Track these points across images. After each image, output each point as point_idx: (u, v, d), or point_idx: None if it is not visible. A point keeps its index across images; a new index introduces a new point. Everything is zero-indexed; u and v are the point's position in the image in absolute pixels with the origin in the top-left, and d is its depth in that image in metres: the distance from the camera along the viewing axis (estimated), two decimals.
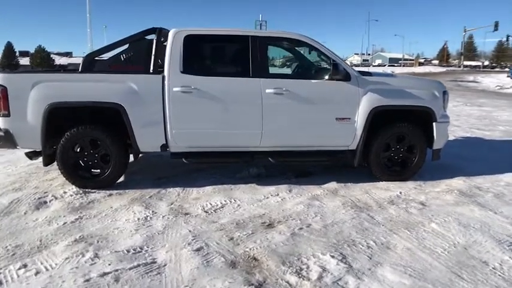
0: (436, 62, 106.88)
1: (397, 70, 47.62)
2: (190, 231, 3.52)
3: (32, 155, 4.68)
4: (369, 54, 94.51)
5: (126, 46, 5.05)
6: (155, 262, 2.99)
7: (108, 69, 4.95)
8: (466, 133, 8.59)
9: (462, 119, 10.60)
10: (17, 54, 59.89)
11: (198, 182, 4.84)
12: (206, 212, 3.98)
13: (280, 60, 6.90)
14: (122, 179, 4.81)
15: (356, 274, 2.84)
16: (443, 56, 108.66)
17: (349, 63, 5.53)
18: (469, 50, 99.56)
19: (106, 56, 5.26)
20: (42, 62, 52.80)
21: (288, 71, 6.02)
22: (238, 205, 4.17)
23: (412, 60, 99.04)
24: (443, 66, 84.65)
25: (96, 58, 5.22)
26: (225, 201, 4.27)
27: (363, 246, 3.27)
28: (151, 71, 4.60)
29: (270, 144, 4.75)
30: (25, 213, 3.90)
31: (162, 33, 4.85)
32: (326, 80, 4.65)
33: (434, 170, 5.30)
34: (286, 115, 4.66)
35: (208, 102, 4.49)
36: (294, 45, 5.19)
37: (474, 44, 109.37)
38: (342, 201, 4.29)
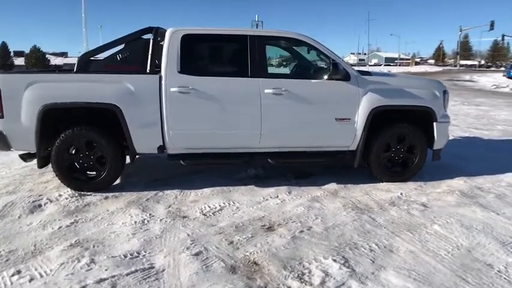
0: (432, 61, 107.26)
1: (393, 70, 47.73)
2: (188, 235, 3.44)
3: (26, 157, 4.59)
4: (365, 54, 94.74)
5: (122, 46, 4.97)
6: (153, 267, 2.91)
7: (104, 70, 4.87)
8: (465, 133, 8.56)
9: (460, 119, 10.57)
10: (12, 54, 59.59)
11: (196, 184, 4.76)
12: (204, 215, 3.90)
13: (277, 59, 6.83)
14: (118, 181, 4.73)
15: (359, 278, 2.78)
16: (439, 56, 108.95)
17: None
18: (465, 50, 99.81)
19: (102, 56, 5.18)
20: (37, 62, 52.52)
21: (286, 70, 5.96)
22: (237, 207, 4.10)
23: (408, 59, 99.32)
24: (439, 65, 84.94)
25: (92, 58, 5.14)
26: (224, 203, 4.19)
27: (365, 249, 3.21)
28: (148, 71, 4.53)
29: (269, 145, 4.68)
30: (19, 217, 3.81)
31: (158, 33, 4.77)
32: (325, 79, 4.59)
33: (434, 170, 5.26)
34: (286, 115, 4.59)
35: (206, 102, 4.42)
36: (293, 44, 5.12)
37: (470, 43, 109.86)
38: (343, 203, 4.22)
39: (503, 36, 64.90)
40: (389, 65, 74.86)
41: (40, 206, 4.08)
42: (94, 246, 3.21)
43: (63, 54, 74.71)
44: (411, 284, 2.71)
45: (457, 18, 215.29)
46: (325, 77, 4.59)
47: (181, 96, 4.36)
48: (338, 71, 4.53)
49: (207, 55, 5.10)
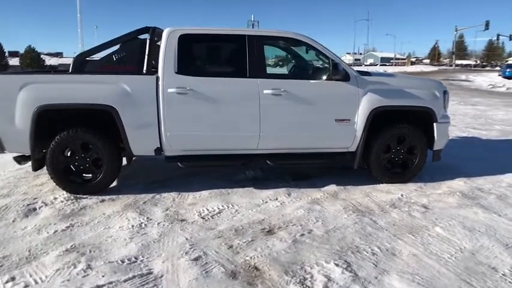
0: (427, 61, 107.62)
1: (389, 69, 47.81)
2: (187, 239, 3.37)
3: (20, 160, 4.50)
4: (361, 54, 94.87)
5: (118, 46, 4.90)
6: (151, 273, 2.84)
7: (99, 70, 4.79)
8: (463, 133, 8.54)
9: (458, 119, 10.56)
10: (7, 54, 59.15)
11: (194, 186, 4.69)
12: (203, 218, 3.83)
13: (273, 59, 6.77)
14: (114, 183, 4.65)
15: (362, 283, 2.72)
16: (434, 55, 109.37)
17: None
18: (460, 49, 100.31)
19: (98, 56, 5.10)
20: (32, 62, 52.14)
21: (283, 70, 5.91)
22: (236, 210, 4.03)
23: (404, 59, 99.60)
24: (435, 65, 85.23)
25: (88, 58, 5.06)
26: (222, 206, 4.13)
27: (367, 252, 3.15)
28: (144, 71, 4.46)
29: (268, 146, 4.62)
30: (13, 221, 3.73)
31: (155, 33, 4.71)
32: (325, 80, 4.54)
33: (433, 171, 5.22)
34: (285, 116, 4.52)
35: (204, 103, 4.35)
36: (292, 44, 5.06)
37: (465, 43, 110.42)
38: (343, 205, 4.17)
39: (498, 35, 65.25)
40: (385, 65, 74.99)
41: (35, 209, 4.00)
42: (90, 251, 3.13)
43: (58, 55, 74.26)
44: None
45: (452, 19, 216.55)
46: (325, 77, 4.54)
47: (178, 97, 4.29)
48: (337, 71, 4.48)
49: (205, 55, 5.03)
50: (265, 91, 4.41)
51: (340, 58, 4.79)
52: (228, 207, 4.11)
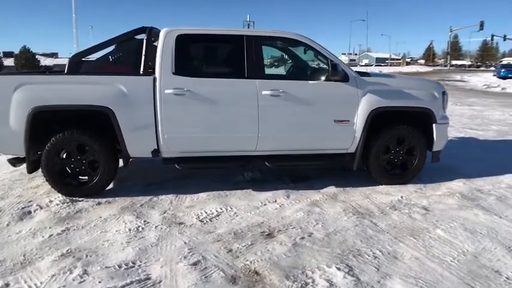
0: (422, 61, 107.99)
1: (385, 70, 47.89)
2: (185, 242, 3.31)
3: (15, 162, 4.42)
4: (356, 54, 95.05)
5: (114, 46, 4.83)
6: (149, 278, 2.78)
7: (95, 71, 4.72)
8: (460, 133, 8.53)
9: (454, 119, 10.54)
10: (1, 55, 58.76)
11: (191, 189, 4.62)
12: (201, 221, 3.77)
13: (268, 60, 6.72)
14: (111, 186, 4.58)
15: None
16: (429, 56, 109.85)
17: None
18: (454, 50, 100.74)
19: (93, 57, 5.03)
20: (27, 63, 51.76)
21: (280, 71, 5.86)
22: (235, 213, 3.97)
23: (399, 59, 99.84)
24: (430, 65, 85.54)
25: (83, 59, 4.99)
26: (221, 209, 4.07)
27: (369, 256, 3.11)
28: (141, 72, 4.39)
29: (266, 147, 4.57)
30: (8, 225, 3.65)
31: (152, 33, 4.64)
32: (324, 81, 4.49)
33: (432, 172, 5.19)
34: (283, 117, 4.47)
35: (202, 104, 4.29)
36: (290, 45, 5.01)
37: (459, 43, 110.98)
38: (343, 207, 4.12)
39: (492, 36, 65.42)
40: (380, 65, 75.14)
41: (30, 212, 3.92)
42: (87, 256, 3.06)
43: (54, 55, 73.80)
44: None
45: (447, 19, 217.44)
46: (324, 78, 4.49)
47: (176, 98, 4.23)
48: (336, 72, 4.43)
49: (202, 56, 4.96)
50: (264, 92, 4.36)
51: (339, 59, 4.75)
52: (226, 209, 4.05)
